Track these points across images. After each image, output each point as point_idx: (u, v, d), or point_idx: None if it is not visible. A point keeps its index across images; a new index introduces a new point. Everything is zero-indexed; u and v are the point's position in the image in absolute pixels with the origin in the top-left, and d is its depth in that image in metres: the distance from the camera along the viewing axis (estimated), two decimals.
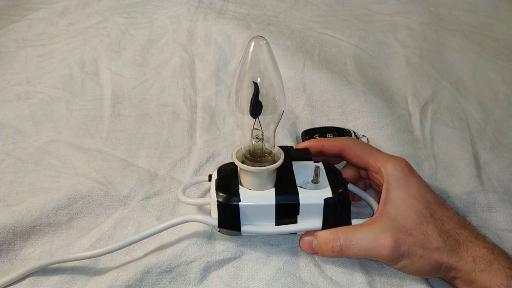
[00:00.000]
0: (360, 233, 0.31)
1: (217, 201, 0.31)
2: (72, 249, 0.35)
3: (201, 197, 0.38)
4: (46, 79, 0.49)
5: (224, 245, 0.34)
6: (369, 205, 0.36)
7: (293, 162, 0.34)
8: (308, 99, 0.46)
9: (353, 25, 0.55)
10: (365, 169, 0.35)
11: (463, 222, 0.31)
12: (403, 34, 0.54)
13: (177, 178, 0.39)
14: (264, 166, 0.31)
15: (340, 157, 0.36)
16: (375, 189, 0.36)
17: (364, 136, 0.39)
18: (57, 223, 0.36)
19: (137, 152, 0.41)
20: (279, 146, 0.33)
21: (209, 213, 0.35)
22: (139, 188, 0.38)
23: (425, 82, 0.48)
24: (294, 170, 0.33)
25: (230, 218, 0.32)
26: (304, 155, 0.35)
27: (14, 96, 0.47)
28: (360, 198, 0.37)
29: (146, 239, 0.35)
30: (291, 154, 0.34)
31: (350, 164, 0.37)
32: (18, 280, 0.33)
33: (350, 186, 0.36)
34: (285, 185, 0.32)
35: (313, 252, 0.33)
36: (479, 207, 0.38)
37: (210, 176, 0.35)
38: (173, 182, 0.39)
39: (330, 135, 0.41)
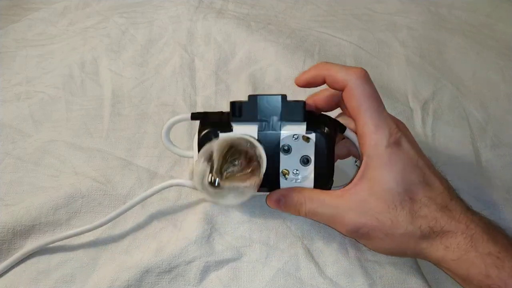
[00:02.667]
0: (324, 205, 0.30)
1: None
2: (72, 248, 0.35)
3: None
4: (46, 79, 0.49)
5: (223, 246, 0.34)
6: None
7: (281, 133, 0.31)
8: None
9: (353, 24, 0.55)
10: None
11: (448, 203, 0.29)
12: (403, 34, 0.54)
13: (177, 177, 0.39)
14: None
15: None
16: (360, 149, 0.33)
17: None
18: (56, 222, 0.36)
19: (136, 152, 0.41)
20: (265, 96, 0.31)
21: None
22: (138, 187, 0.38)
23: (425, 81, 0.48)
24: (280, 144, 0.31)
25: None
26: (297, 113, 0.31)
27: (14, 96, 0.47)
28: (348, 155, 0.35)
29: (146, 239, 0.35)
30: (282, 112, 0.31)
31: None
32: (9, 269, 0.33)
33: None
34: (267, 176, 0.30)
35: (280, 209, 0.33)
36: (484, 203, 0.38)
37: (192, 114, 0.33)
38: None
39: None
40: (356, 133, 0.31)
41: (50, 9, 0.57)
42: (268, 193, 0.33)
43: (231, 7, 0.57)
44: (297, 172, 0.32)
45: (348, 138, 0.33)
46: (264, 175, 0.29)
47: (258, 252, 0.34)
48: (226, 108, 0.47)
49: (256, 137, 0.31)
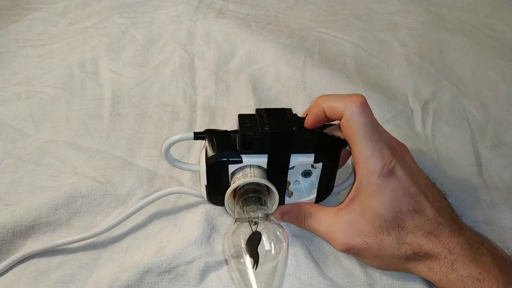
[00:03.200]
0: (320, 223, 0.33)
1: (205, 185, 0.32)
2: (72, 248, 0.35)
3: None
4: (46, 79, 0.49)
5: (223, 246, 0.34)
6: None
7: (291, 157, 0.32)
8: (308, 97, 0.46)
9: (353, 24, 0.55)
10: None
11: (434, 229, 0.29)
12: (403, 34, 0.54)
13: (176, 177, 0.39)
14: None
15: None
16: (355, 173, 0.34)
17: None
18: (56, 222, 0.36)
19: (136, 151, 0.41)
20: (272, 113, 0.32)
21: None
22: (138, 187, 0.38)
23: (425, 81, 0.48)
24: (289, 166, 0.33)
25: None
26: (306, 146, 0.32)
27: (14, 96, 0.47)
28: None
29: (146, 239, 0.35)
30: (292, 147, 0.32)
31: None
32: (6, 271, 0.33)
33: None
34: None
35: (284, 221, 0.36)
36: (483, 203, 0.38)
37: (195, 134, 0.33)
38: (172, 181, 0.39)
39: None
40: (352, 159, 0.32)
41: (50, 9, 0.57)
42: None
43: (231, 7, 0.57)
44: (297, 182, 0.34)
45: (348, 150, 0.34)
46: None
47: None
48: (226, 108, 0.47)
49: (266, 167, 0.32)
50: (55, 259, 0.34)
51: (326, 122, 0.32)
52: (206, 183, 0.33)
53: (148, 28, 0.54)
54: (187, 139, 0.33)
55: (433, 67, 0.50)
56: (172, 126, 0.44)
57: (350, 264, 0.34)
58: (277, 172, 0.32)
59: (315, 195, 0.34)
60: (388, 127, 0.42)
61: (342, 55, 0.51)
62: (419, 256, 0.30)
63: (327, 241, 0.34)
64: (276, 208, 0.34)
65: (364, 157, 0.29)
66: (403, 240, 0.30)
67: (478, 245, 0.29)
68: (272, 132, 0.30)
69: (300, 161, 0.32)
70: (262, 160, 0.32)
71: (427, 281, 0.33)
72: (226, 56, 0.50)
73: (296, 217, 0.34)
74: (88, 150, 0.41)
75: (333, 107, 0.30)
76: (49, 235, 0.35)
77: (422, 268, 0.30)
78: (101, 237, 0.35)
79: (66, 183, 0.38)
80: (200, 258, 0.33)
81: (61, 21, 0.56)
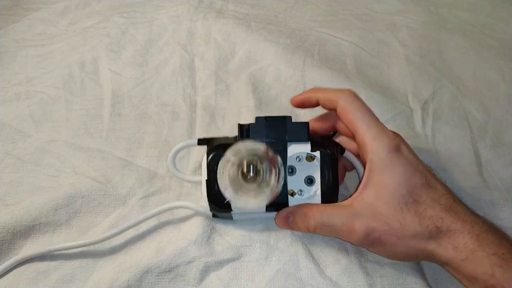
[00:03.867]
0: (333, 216, 0.30)
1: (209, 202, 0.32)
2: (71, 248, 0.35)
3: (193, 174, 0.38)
4: (46, 79, 0.49)
5: (223, 246, 0.34)
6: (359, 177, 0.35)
7: (288, 150, 0.32)
8: None
9: (353, 24, 0.55)
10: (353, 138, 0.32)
11: (451, 204, 0.29)
12: (403, 33, 0.54)
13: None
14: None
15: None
16: (361, 159, 0.34)
17: None
18: (56, 222, 0.36)
19: (136, 152, 0.41)
20: (271, 118, 0.32)
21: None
22: (138, 187, 0.38)
23: (425, 81, 0.48)
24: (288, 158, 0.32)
25: (221, 212, 0.33)
26: (302, 133, 0.32)
27: (14, 96, 0.47)
28: (352, 168, 0.36)
29: (145, 239, 0.35)
30: (288, 133, 0.32)
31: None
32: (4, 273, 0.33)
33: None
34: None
35: (289, 228, 0.33)
36: (484, 203, 0.38)
37: (199, 140, 0.34)
38: (172, 181, 0.39)
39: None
40: (357, 143, 0.32)
41: (50, 9, 0.57)
42: (274, 213, 0.34)
43: (231, 7, 0.57)
44: (302, 192, 0.33)
45: (347, 159, 0.35)
46: None
47: (258, 252, 0.34)
48: (226, 108, 0.47)
49: None
50: (55, 259, 0.34)
51: (310, 107, 0.34)
52: (206, 178, 0.32)
53: (148, 28, 0.54)
54: (191, 145, 0.34)
55: (433, 67, 0.50)
56: (172, 126, 0.44)
57: (350, 264, 0.34)
58: None
59: (319, 196, 0.32)
60: (388, 127, 0.42)
61: (342, 55, 0.51)
62: (441, 231, 0.28)
63: (342, 238, 0.31)
64: (279, 212, 0.33)
65: (371, 136, 0.30)
66: (424, 214, 0.29)
67: (494, 227, 0.29)
68: (267, 117, 0.32)
69: (297, 149, 0.32)
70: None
71: (427, 281, 0.33)
72: (226, 56, 0.50)
73: (303, 217, 0.32)
74: (88, 150, 0.41)
75: (328, 95, 0.32)
76: (49, 235, 0.35)
77: (446, 246, 0.28)
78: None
79: (66, 183, 0.38)
80: (200, 258, 0.33)
81: (61, 21, 0.56)
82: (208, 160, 0.32)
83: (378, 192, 0.30)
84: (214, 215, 0.35)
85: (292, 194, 0.33)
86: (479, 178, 0.40)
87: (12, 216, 0.35)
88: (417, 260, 0.31)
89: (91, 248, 0.35)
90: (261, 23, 0.54)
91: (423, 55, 0.51)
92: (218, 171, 0.29)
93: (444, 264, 0.30)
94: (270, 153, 0.29)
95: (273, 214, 0.33)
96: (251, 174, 0.29)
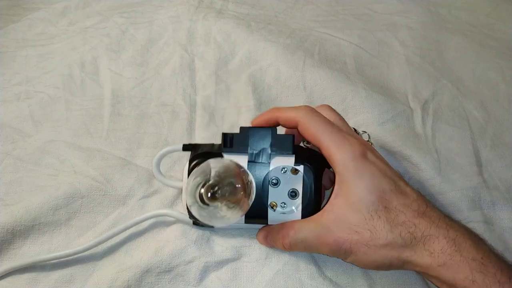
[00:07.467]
0: (306, 231, 0.30)
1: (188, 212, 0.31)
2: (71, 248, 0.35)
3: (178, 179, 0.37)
4: (46, 79, 0.49)
5: (223, 246, 0.34)
6: None
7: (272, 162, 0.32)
8: (308, 97, 0.46)
9: (353, 24, 0.55)
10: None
11: (424, 209, 0.28)
12: (403, 34, 0.54)
13: (176, 177, 0.39)
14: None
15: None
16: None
17: (365, 132, 0.39)
18: (56, 222, 0.36)
19: (136, 151, 0.41)
20: (256, 129, 0.32)
21: None
22: (138, 187, 0.38)
23: (425, 81, 0.48)
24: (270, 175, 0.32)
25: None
26: (286, 146, 0.32)
27: (14, 96, 0.47)
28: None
29: (145, 239, 0.35)
30: (272, 145, 0.32)
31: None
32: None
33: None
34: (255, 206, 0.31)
35: (269, 245, 0.33)
36: (484, 203, 0.38)
37: (184, 145, 0.34)
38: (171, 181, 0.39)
39: None
40: (325, 157, 0.32)
41: (50, 9, 0.57)
42: (257, 225, 0.34)
43: (231, 7, 0.57)
44: (285, 205, 0.32)
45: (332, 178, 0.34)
46: (253, 205, 0.30)
47: (258, 253, 0.34)
48: (226, 108, 0.47)
49: (246, 167, 0.31)
50: (55, 260, 0.34)
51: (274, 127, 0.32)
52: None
53: (148, 28, 0.54)
54: (176, 150, 0.34)
55: (433, 67, 0.50)
56: (172, 126, 0.44)
57: (350, 264, 0.34)
58: (259, 174, 0.32)
59: (300, 212, 0.32)
60: (388, 127, 0.42)
61: (342, 55, 0.51)
62: (415, 238, 0.27)
63: (317, 251, 0.31)
64: (259, 231, 0.33)
65: (335, 147, 0.30)
66: (395, 220, 0.28)
67: (471, 231, 0.28)
68: (252, 128, 0.32)
69: (281, 162, 0.31)
70: (243, 158, 0.31)
71: (427, 282, 0.33)
72: (226, 56, 0.50)
73: (278, 237, 0.31)
74: (88, 150, 0.41)
75: (286, 116, 0.32)
76: (49, 235, 0.35)
77: (422, 253, 0.27)
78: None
79: (65, 183, 0.38)
80: (199, 258, 0.33)
81: (61, 21, 0.56)
82: (190, 168, 0.32)
83: (347, 201, 0.29)
84: (194, 223, 0.34)
85: (273, 207, 0.32)
86: (479, 178, 0.40)
87: (11, 216, 0.35)
88: (392, 269, 0.30)
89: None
90: (261, 23, 0.54)
91: (423, 55, 0.51)
92: (185, 188, 0.29)
93: (421, 271, 0.29)
94: (238, 170, 0.29)
95: (254, 226, 0.34)
96: (218, 194, 0.28)
